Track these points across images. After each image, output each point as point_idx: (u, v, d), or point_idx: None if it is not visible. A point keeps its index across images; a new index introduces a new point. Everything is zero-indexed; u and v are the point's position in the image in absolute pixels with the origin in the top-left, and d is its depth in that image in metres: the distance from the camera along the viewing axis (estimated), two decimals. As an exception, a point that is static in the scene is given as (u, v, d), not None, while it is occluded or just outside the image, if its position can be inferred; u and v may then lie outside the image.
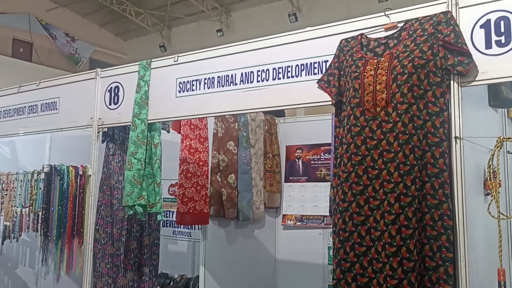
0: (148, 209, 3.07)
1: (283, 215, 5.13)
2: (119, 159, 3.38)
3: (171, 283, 4.82)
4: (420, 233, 1.87)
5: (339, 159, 2.13)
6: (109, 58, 17.37)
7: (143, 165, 3.01)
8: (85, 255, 3.18)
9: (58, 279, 3.31)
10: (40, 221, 3.22)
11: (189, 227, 5.34)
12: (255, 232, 4.89)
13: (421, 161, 1.91)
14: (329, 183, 4.88)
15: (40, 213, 3.29)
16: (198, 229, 5.17)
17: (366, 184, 1.94)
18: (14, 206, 3.68)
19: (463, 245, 1.84)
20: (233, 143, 4.50)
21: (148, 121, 3.05)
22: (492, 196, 1.95)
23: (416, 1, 2.21)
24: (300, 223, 5.02)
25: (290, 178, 5.18)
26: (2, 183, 3.81)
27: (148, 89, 3.06)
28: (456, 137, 1.92)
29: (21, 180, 3.66)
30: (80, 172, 3.18)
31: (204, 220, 4.11)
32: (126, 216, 3.39)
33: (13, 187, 3.71)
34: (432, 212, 1.88)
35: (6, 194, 3.74)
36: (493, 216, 1.95)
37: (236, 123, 4.60)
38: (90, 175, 3.25)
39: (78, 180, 3.17)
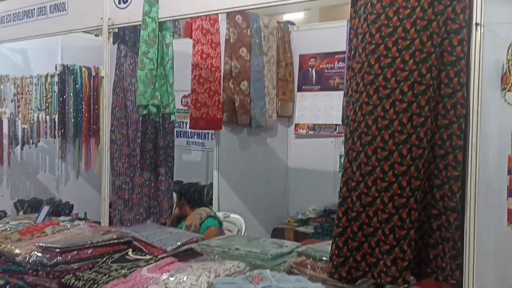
0: (161, 109, 3.10)
1: (296, 124, 5.17)
2: (131, 61, 3.36)
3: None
4: (432, 122, 1.87)
5: (353, 51, 2.08)
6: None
7: (155, 65, 2.99)
8: (102, 155, 3.27)
9: (77, 176, 3.44)
10: (57, 123, 3.28)
11: (202, 136, 5.42)
12: (267, 140, 4.96)
13: (439, 48, 1.85)
14: (342, 92, 4.85)
15: (56, 115, 3.35)
16: (212, 138, 5.28)
17: (377, 73, 1.90)
18: (31, 109, 3.74)
19: (476, 134, 1.85)
20: (245, 49, 4.42)
21: (159, 20, 2.98)
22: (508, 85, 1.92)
23: None
24: (312, 132, 5.06)
25: (303, 87, 5.15)
26: (17, 87, 3.85)
27: (159, -14, 2.96)
28: (476, 24, 1.85)
29: (35, 83, 3.69)
30: (93, 73, 3.18)
31: (217, 126, 4.15)
32: (140, 118, 3.44)
33: (28, 91, 3.75)
34: (445, 101, 1.86)
35: (22, 98, 3.79)
36: (508, 103, 1.92)
37: (249, 29, 4.49)
38: (103, 77, 3.25)
39: (92, 81, 3.18)
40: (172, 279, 2.02)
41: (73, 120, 3.16)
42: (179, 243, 2.53)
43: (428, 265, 1.94)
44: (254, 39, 4.55)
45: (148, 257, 2.46)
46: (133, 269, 2.31)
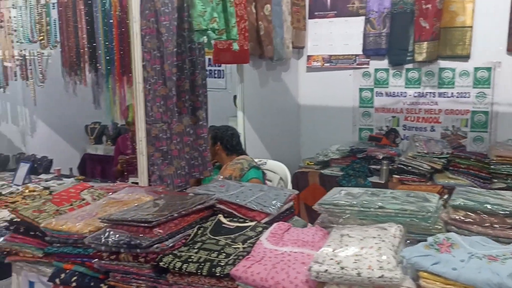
0: (217, 36, 2.43)
1: (308, 56, 4.63)
2: (163, -27, 2.58)
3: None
4: None
5: None
6: None
7: (214, -25, 2.28)
8: (136, 97, 2.56)
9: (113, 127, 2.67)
10: (86, 56, 2.47)
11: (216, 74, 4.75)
12: (282, 75, 4.39)
13: None
14: (362, 18, 4.35)
15: (61, 47, 2.53)
16: (222, 77, 4.65)
17: None
18: (17, 42, 2.86)
19: None
20: (266, -35, 3.71)
21: None
22: None
23: None
24: (328, 64, 4.56)
25: (316, 13, 4.56)
26: (-8, 12, 2.91)
27: None
28: None
29: (21, 6, 2.79)
30: (120, -11, 2.39)
31: (245, 58, 3.51)
32: (175, 49, 2.73)
33: (9, 17, 2.84)
34: None
35: (2, 27, 2.88)
36: None
37: None
38: (131, -5, 2.47)
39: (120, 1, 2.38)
40: (342, 254, 1.51)
41: (104, 50, 2.37)
42: (279, 204, 2.03)
43: None
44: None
45: (251, 223, 1.93)
46: (248, 241, 1.78)
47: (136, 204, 2.08)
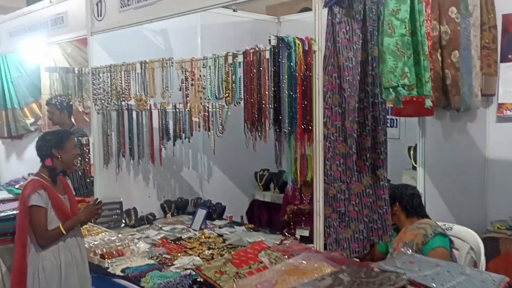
0: (407, 91, 2.21)
1: (499, 104, 4.06)
2: (347, 28, 2.49)
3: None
4: None
5: None
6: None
7: (407, 28, 2.10)
8: (316, 155, 2.46)
9: (294, 187, 2.63)
10: (271, 113, 2.49)
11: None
12: (467, 126, 3.92)
13: None
14: None
15: (268, 102, 2.56)
16: (395, 126, 4.36)
17: None
18: (205, 98, 3.03)
19: None
20: (455, 9, 3.39)
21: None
22: None
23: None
24: (524, 114, 3.94)
25: (510, 56, 4.01)
26: (185, 71, 3.15)
27: None
28: None
29: (210, 66, 2.96)
30: (306, 47, 2.35)
31: (429, 111, 3.18)
32: (357, 105, 2.58)
33: (200, 76, 3.04)
34: None
35: (192, 85, 3.09)
36: None
37: (456, -18, 3.45)
38: (315, 51, 2.41)
39: (305, 58, 2.35)
40: None
41: (288, 109, 2.35)
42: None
43: None
44: (460, -5, 3.51)
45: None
46: None
47: (315, 275, 1.93)
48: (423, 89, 2.21)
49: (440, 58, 3.33)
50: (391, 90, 2.14)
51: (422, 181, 3.36)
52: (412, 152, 4.00)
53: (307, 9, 4.48)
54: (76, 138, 4.17)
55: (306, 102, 2.41)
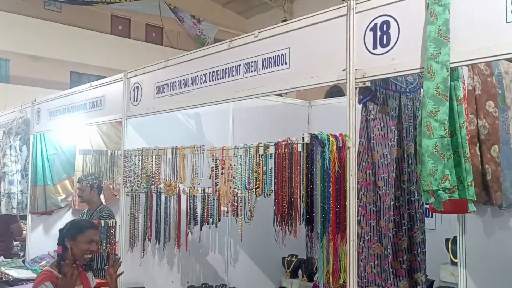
0: (448, 194, 2.09)
1: (543, 199, 3.85)
2: (382, 125, 2.44)
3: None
4: None
5: None
6: (231, 37, 17.21)
7: (447, 130, 2.03)
8: (349, 256, 2.32)
9: None
10: (303, 210, 2.41)
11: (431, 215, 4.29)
12: (510, 223, 3.69)
13: None
14: None
15: (300, 196, 2.49)
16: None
17: None
18: (234, 188, 2.97)
19: None
20: (493, 103, 3.31)
21: (451, 65, 2.04)
22: None
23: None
24: None
25: (551, 149, 3.86)
26: (216, 160, 3.13)
27: (449, 16, 2.04)
28: None
29: (241, 155, 2.93)
30: (340, 144, 2.30)
31: (467, 207, 3.02)
32: (392, 203, 2.46)
33: (231, 165, 3.00)
34: None
35: (222, 173, 3.05)
36: None
37: (493, 77, 3.41)
38: (349, 147, 2.35)
39: (339, 155, 2.29)
40: None
41: (320, 208, 2.25)
42: None
43: None
44: (497, 89, 3.46)
45: None
46: None
47: None
48: (465, 193, 2.09)
49: (478, 153, 3.21)
50: (428, 194, 2.03)
51: (464, 281, 3.11)
52: (450, 245, 3.78)
53: (335, 93, 4.50)
54: (103, 221, 4.16)
55: (339, 200, 2.31)
